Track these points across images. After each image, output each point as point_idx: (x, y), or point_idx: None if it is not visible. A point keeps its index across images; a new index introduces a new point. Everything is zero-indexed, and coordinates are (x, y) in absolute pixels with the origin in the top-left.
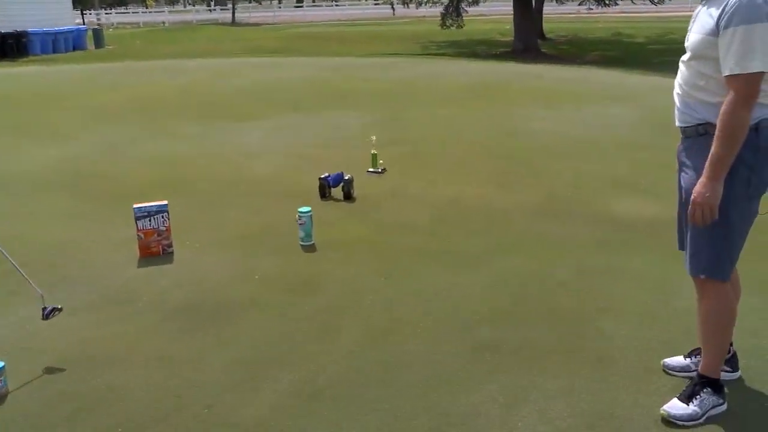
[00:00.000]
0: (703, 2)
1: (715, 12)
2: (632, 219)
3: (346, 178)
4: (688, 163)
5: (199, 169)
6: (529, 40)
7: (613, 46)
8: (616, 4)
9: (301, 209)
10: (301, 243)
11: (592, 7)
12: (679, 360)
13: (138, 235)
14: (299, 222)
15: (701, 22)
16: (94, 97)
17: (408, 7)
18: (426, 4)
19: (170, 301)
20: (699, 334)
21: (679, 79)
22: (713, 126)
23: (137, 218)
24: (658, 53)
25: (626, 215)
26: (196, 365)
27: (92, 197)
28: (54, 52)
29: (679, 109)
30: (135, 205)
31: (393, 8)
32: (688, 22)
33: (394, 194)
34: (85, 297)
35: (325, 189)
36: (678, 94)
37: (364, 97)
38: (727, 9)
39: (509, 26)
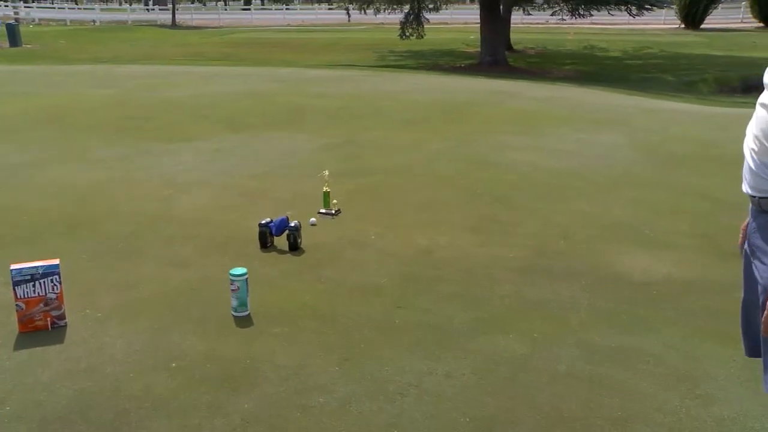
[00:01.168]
0: None
1: None
2: (641, 279)
3: (292, 225)
4: (764, 248)
5: (112, 204)
6: (497, 52)
7: (586, 60)
8: (591, 15)
9: (233, 271)
10: (234, 314)
11: (565, 17)
12: None
13: (17, 304)
14: (232, 288)
15: None
16: None
17: (365, 13)
18: (385, 11)
19: (48, 405)
20: None
21: (754, 129)
22: None
23: (16, 283)
24: (636, 69)
25: (633, 274)
26: None
27: None
28: None
29: (751, 171)
30: (12, 266)
31: (348, 14)
32: (663, 35)
33: (351, 243)
34: None
35: (266, 238)
36: (752, 149)
37: (315, 115)
38: None
39: (474, 36)
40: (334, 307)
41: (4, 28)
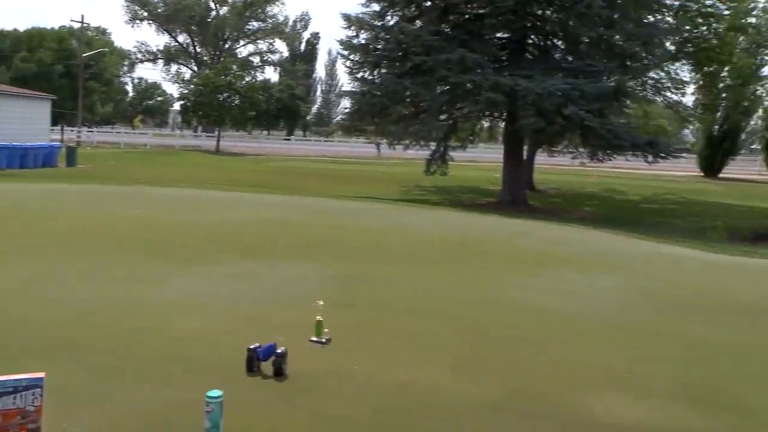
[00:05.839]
0: None
1: None
2: (611, 423)
3: (279, 351)
4: None
5: (113, 322)
6: (517, 191)
7: (605, 202)
8: (610, 160)
9: (210, 393)
10: None
11: (584, 161)
12: None
13: None
14: (206, 409)
15: None
16: (34, 224)
17: (394, 148)
18: (413, 147)
19: None
20: None
21: None
22: None
23: None
24: (651, 213)
25: (604, 418)
26: None
27: None
28: (21, 167)
29: None
30: None
31: (378, 148)
32: (682, 181)
33: (335, 374)
34: None
35: (253, 362)
36: None
37: (329, 246)
38: None
39: (499, 174)
40: None
41: (64, 151)
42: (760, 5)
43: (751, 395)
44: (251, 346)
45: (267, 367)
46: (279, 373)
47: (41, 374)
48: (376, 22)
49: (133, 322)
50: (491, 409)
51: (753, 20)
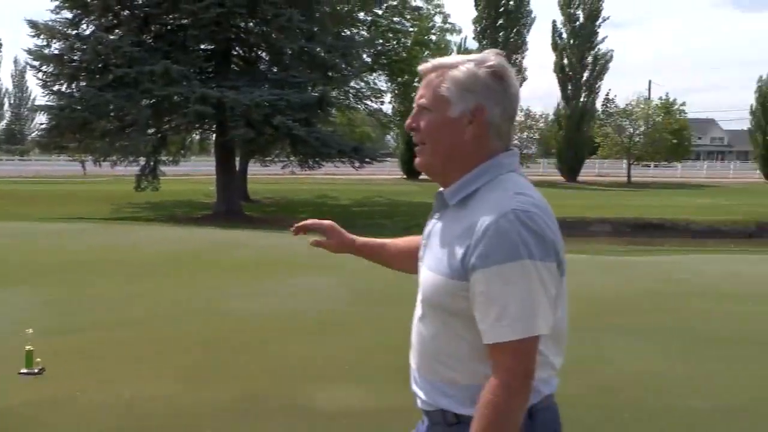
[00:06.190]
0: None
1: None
2: (335, 411)
3: None
4: None
5: None
6: (231, 202)
7: (319, 207)
8: (320, 167)
9: None
10: None
11: (295, 169)
12: None
13: None
14: None
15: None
16: None
17: (100, 165)
18: (122, 163)
19: None
20: None
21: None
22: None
23: None
24: (362, 215)
25: (327, 407)
26: None
27: None
28: None
29: None
30: None
31: (83, 166)
32: (387, 184)
33: (53, 402)
34: None
35: None
36: None
37: (41, 271)
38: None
39: (213, 187)
40: None
41: None
42: (438, 24)
43: None
44: None
45: None
46: None
47: None
48: (69, 31)
49: None
50: (228, 410)
51: (433, 37)
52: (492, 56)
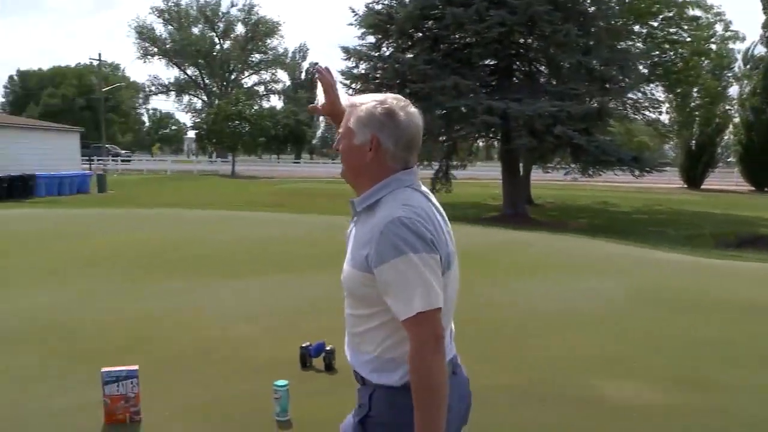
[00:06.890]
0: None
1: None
2: (623, 404)
3: (328, 348)
4: None
5: (174, 331)
6: (518, 205)
7: (599, 213)
8: (600, 175)
9: (277, 383)
10: (277, 418)
11: (576, 176)
12: None
13: (104, 400)
14: (275, 396)
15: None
16: (82, 244)
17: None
18: (418, 166)
19: None
20: None
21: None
22: None
23: (105, 383)
24: (643, 223)
25: (614, 400)
26: None
27: (59, 355)
28: (59, 194)
29: None
30: (103, 369)
31: None
32: (668, 193)
33: None
34: None
35: (305, 359)
36: None
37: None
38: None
39: (499, 191)
40: None
41: (95, 178)
42: (718, 33)
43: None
44: (303, 345)
45: (319, 362)
46: (329, 367)
47: (135, 366)
48: (373, 53)
49: (192, 331)
50: (516, 395)
51: (713, 47)
52: (390, 99)
